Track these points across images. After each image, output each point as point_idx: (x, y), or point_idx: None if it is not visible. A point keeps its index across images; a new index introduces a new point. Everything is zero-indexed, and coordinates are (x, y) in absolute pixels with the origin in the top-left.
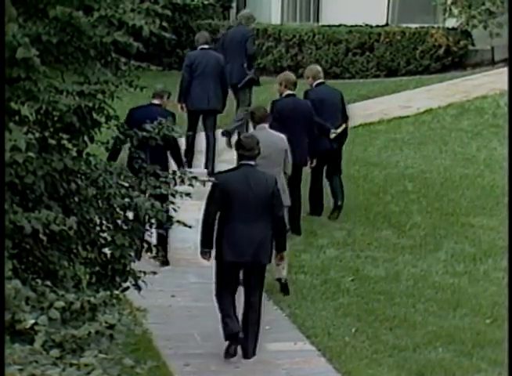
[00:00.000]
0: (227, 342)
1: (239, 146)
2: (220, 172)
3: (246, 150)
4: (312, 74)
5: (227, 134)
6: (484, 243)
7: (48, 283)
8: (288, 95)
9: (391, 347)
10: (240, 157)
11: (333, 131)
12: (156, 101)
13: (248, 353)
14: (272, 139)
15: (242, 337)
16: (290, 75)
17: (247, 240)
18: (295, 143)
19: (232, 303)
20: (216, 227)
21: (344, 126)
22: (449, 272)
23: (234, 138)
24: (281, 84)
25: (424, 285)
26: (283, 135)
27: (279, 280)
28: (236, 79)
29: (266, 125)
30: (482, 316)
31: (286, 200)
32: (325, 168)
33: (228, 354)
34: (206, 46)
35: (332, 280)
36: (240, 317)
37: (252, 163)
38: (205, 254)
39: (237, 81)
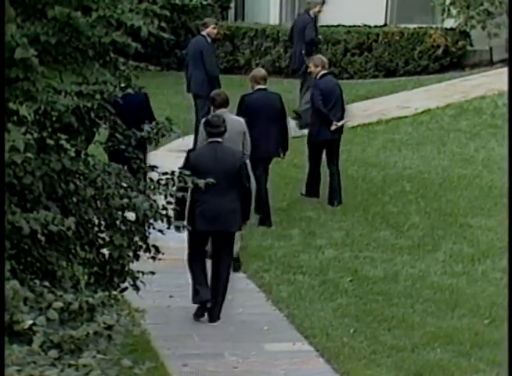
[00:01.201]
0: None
1: (207, 124)
2: (192, 149)
3: (214, 127)
4: (322, 63)
5: (298, 115)
6: (482, 243)
7: (47, 283)
8: (258, 90)
9: (390, 347)
10: (209, 135)
11: (334, 123)
12: None
13: (213, 318)
14: (230, 123)
15: (209, 305)
16: (257, 71)
17: (217, 210)
18: (264, 136)
19: (203, 271)
20: (188, 199)
21: (345, 120)
22: (448, 272)
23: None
24: (251, 80)
25: (423, 286)
26: (241, 119)
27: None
28: (296, 65)
29: (226, 110)
30: (480, 316)
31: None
32: (324, 154)
33: (197, 316)
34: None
35: (330, 280)
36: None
37: (219, 140)
38: (179, 228)
39: (298, 67)
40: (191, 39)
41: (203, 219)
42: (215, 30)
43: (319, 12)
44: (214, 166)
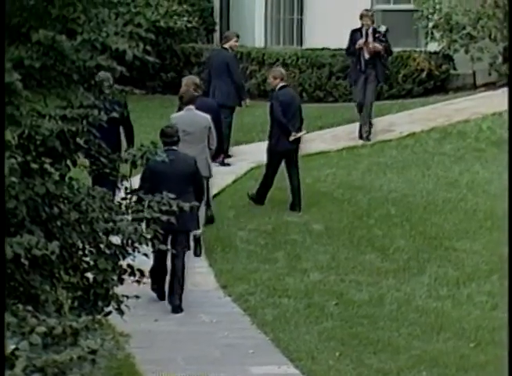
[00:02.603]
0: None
1: (163, 134)
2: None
3: (168, 137)
4: (281, 75)
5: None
6: (467, 267)
7: (30, 308)
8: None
9: (375, 371)
10: (164, 144)
11: (293, 133)
12: None
13: (177, 311)
14: (196, 119)
15: (177, 304)
16: (192, 78)
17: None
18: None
19: (164, 268)
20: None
21: (304, 132)
22: (433, 296)
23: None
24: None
25: (408, 309)
26: (207, 115)
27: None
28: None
29: (193, 107)
30: (466, 339)
31: (207, 171)
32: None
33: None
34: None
35: (316, 303)
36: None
37: (175, 148)
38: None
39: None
40: (212, 53)
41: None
42: (237, 43)
43: None
44: (170, 171)
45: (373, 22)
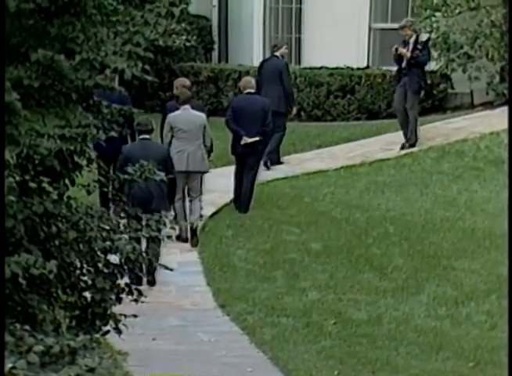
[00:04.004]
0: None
1: (138, 124)
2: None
3: (143, 126)
4: (243, 84)
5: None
6: (466, 286)
7: (27, 327)
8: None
9: None
10: (139, 133)
11: (244, 138)
12: None
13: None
14: (192, 118)
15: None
16: (182, 80)
17: (147, 194)
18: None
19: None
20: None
21: (257, 138)
22: (431, 315)
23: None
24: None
25: (406, 328)
26: (203, 114)
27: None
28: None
29: (188, 106)
30: (465, 359)
31: (204, 166)
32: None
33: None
34: None
35: (314, 322)
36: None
37: (148, 137)
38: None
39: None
40: (263, 60)
41: (135, 202)
42: (287, 50)
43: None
44: (144, 157)
45: (415, 31)
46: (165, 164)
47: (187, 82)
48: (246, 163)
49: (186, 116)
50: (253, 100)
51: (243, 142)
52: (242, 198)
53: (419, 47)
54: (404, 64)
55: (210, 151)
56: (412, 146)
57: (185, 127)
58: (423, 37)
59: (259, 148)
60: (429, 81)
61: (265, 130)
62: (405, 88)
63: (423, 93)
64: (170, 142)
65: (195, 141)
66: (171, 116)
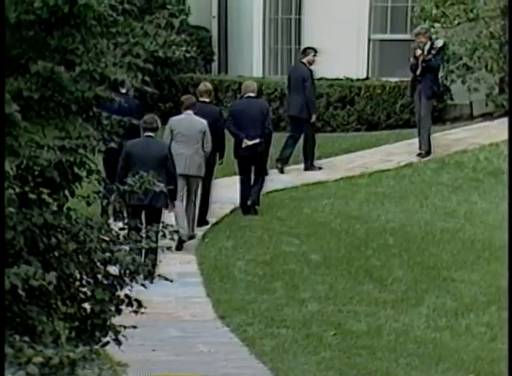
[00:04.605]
0: None
1: (144, 122)
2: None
3: (148, 124)
4: (245, 88)
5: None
6: (465, 297)
7: (27, 338)
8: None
9: None
10: (144, 130)
11: (244, 141)
12: None
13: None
14: (193, 123)
15: None
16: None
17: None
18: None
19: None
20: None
21: (257, 140)
22: (431, 326)
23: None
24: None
25: (406, 340)
26: (203, 120)
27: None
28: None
29: (191, 111)
30: (465, 370)
31: (200, 171)
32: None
33: None
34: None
35: (314, 334)
36: None
37: (152, 134)
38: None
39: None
40: (290, 67)
41: (135, 196)
42: (315, 58)
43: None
44: (145, 153)
45: (430, 39)
46: (165, 162)
47: (208, 86)
48: (247, 166)
49: (188, 120)
50: (251, 103)
51: (244, 145)
52: (252, 191)
53: (433, 52)
54: (418, 71)
55: (221, 156)
56: (428, 153)
57: (186, 131)
58: (439, 43)
59: (260, 150)
60: None
61: (265, 132)
62: (420, 95)
63: (435, 102)
64: (169, 146)
65: (193, 145)
66: (173, 119)
